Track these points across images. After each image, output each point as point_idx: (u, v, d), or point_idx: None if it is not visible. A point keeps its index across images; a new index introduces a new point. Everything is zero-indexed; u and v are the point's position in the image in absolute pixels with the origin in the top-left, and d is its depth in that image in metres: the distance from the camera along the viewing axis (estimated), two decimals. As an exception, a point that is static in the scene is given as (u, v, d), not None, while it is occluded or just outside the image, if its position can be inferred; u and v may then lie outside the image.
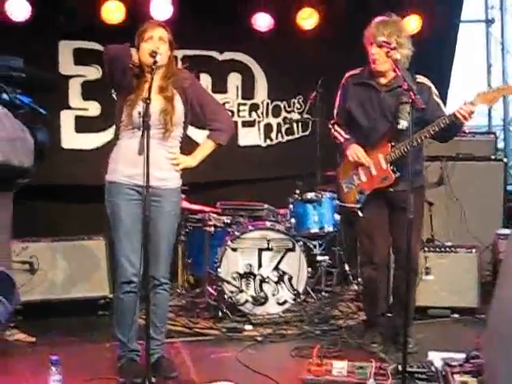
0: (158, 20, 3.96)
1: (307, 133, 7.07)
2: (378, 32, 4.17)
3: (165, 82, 3.84)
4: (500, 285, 2.95)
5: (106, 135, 6.18)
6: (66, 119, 6.27)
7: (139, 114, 3.59)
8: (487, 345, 2.71)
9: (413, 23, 6.53)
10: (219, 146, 4.05)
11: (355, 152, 4.34)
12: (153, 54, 3.65)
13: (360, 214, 4.36)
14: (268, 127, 7.02)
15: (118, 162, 3.85)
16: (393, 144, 4.23)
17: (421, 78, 4.29)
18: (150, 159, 3.44)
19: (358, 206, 4.40)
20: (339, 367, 3.88)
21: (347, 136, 4.42)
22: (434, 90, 4.29)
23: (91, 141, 6.29)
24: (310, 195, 5.45)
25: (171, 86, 3.86)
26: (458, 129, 4.22)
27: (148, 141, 3.45)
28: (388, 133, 4.27)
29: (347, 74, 4.47)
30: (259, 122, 6.97)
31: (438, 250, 5.41)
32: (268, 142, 7.02)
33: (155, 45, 3.75)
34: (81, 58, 6.26)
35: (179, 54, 6.53)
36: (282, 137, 7.09)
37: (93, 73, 6.29)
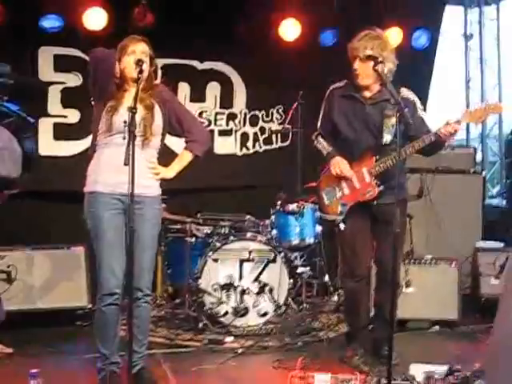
0: (140, 35, 3.91)
1: (287, 143, 7.07)
2: (362, 46, 4.18)
3: (144, 94, 3.81)
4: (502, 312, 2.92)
5: (85, 142, 6.08)
6: (45, 126, 6.20)
7: (125, 122, 3.56)
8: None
9: (394, 37, 6.56)
10: (196, 157, 4.06)
11: (339, 165, 4.33)
12: (139, 63, 3.63)
13: (342, 226, 4.35)
14: (244, 136, 7.03)
15: (99, 171, 3.79)
16: (377, 158, 4.24)
17: (405, 92, 4.29)
18: (134, 170, 3.41)
19: (341, 217, 4.39)
20: (322, 380, 3.85)
21: (331, 148, 4.42)
22: (418, 104, 4.32)
23: (70, 148, 6.23)
24: (292, 207, 5.45)
25: (150, 98, 3.86)
26: (441, 146, 4.25)
27: (133, 150, 3.42)
28: (372, 146, 4.27)
29: (332, 87, 4.47)
30: (236, 130, 6.98)
31: (418, 262, 5.43)
32: (244, 150, 7.02)
33: (138, 57, 3.74)
34: (61, 64, 6.20)
35: (159, 62, 6.48)
36: (260, 146, 7.08)
37: (73, 80, 6.24)
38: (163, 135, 3.95)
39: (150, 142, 3.81)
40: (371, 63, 4.06)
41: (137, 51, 3.78)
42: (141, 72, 3.62)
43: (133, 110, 3.47)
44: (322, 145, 4.45)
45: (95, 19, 5.98)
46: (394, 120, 3.96)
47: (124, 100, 3.77)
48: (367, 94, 4.31)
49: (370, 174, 4.26)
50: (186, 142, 4.06)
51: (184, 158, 4.05)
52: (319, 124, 4.52)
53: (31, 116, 5.78)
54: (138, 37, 3.89)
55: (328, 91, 4.46)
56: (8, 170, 3.66)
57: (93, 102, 3.93)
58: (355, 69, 4.23)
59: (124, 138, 3.56)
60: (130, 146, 3.40)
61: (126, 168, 3.40)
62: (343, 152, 4.37)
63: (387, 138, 4.18)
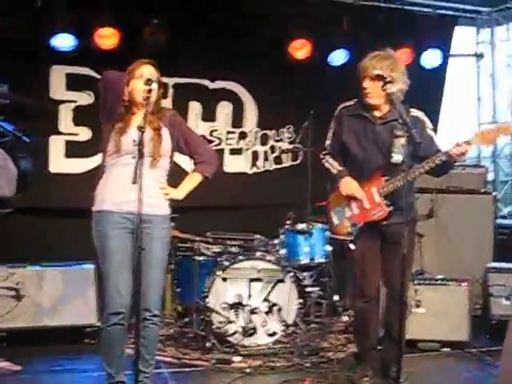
0: (147, 59, 3.94)
1: (297, 162, 7.09)
2: (372, 65, 4.18)
3: (152, 116, 3.84)
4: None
5: (96, 160, 6.12)
6: (55, 144, 6.25)
7: (134, 141, 3.58)
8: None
9: (404, 57, 6.57)
10: (205, 178, 4.08)
11: (349, 185, 4.32)
12: (148, 82, 3.66)
13: (352, 246, 4.33)
14: (254, 155, 7.05)
15: (107, 191, 3.81)
16: (387, 178, 4.22)
17: (415, 112, 4.28)
18: (142, 188, 3.44)
19: (350, 238, 4.37)
20: (330, 401, 3.83)
21: (340, 168, 4.40)
22: (428, 123, 4.30)
23: (81, 165, 6.28)
24: (301, 226, 5.43)
25: (158, 120, 3.88)
26: (450, 167, 4.24)
27: (141, 169, 3.44)
28: (382, 166, 4.25)
29: (341, 106, 4.46)
30: (246, 149, 7.00)
31: (428, 282, 5.39)
32: (254, 169, 7.03)
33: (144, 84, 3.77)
34: (73, 83, 6.26)
35: (170, 81, 6.58)
36: (270, 165, 7.09)
37: (84, 98, 6.29)
38: (171, 157, 3.97)
39: (157, 162, 3.82)
40: (380, 83, 4.07)
41: (144, 74, 3.81)
42: (150, 91, 3.65)
43: (142, 129, 3.51)
44: (331, 164, 4.43)
45: (107, 38, 6.02)
46: (403, 140, 3.94)
47: (132, 122, 3.80)
48: (377, 113, 4.30)
49: (380, 193, 4.24)
50: (195, 164, 4.08)
51: (193, 179, 4.07)
52: (328, 143, 4.51)
53: (35, 134, 5.89)
54: (145, 60, 3.92)
55: (337, 110, 4.46)
56: (1, 189, 3.65)
57: (101, 123, 3.96)
58: (365, 88, 4.23)
59: (133, 158, 3.58)
60: (139, 165, 3.44)
61: (134, 187, 3.44)
62: (352, 171, 4.36)
63: (397, 157, 4.16)
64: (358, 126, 4.32)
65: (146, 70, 3.84)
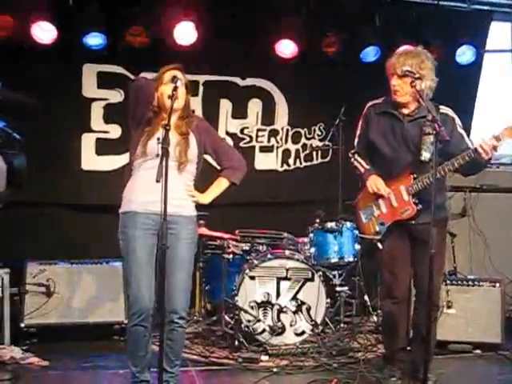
0: (174, 64, 3.94)
1: (327, 160, 7.02)
2: (400, 62, 4.11)
3: (180, 121, 3.86)
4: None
5: (126, 157, 6.14)
6: (87, 142, 6.30)
7: (158, 139, 3.57)
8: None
9: (437, 53, 6.43)
10: (233, 184, 4.05)
11: (375, 183, 4.26)
12: (174, 80, 3.64)
13: (380, 246, 4.27)
14: (286, 153, 7.00)
15: (133, 192, 3.82)
16: (415, 176, 4.14)
17: (444, 109, 4.21)
18: (169, 185, 3.42)
19: (378, 237, 4.31)
20: (356, 402, 3.78)
21: (368, 166, 4.35)
22: (457, 121, 4.21)
23: (111, 163, 6.31)
24: (331, 224, 5.39)
25: (186, 126, 3.88)
26: (481, 165, 4.10)
27: (167, 167, 3.43)
28: (410, 164, 4.18)
29: (369, 104, 4.41)
30: (278, 147, 6.96)
31: (460, 283, 5.30)
32: (285, 167, 6.98)
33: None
34: (104, 81, 6.30)
35: (201, 79, 6.59)
36: (300, 163, 7.04)
37: (115, 96, 6.34)
38: (198, 163, 3.95)
39: (185, 166, 3.82)
40: (409, 79, 4.00)
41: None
42: (175, 89, 3.63)
43: (166, 127, 3.49)
44: (360, 162, 4.38)
45: (137, 37, 6.04)
46: (431, 137, 3.87)
47: (160, 127, 3.76)
48: (405, 111, 4.23)
49: (408, 192, 4.17)
50: (223, 170, 4.04)
51: (221, 185, 4.04)
52: (356, 141, 4.46)
53: (68, 132, 5.95)
54: (172, 65, 3.92)
55: (365, 108, 4.40)
56: None
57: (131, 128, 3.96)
58: (393, 85, 4.16)
59: (157, 156, 3.57)
60: (163, 163, 3.43)
61: (159, 188, 3.41)
62: (381, 170, 4.30)
63: (426, 155, 4.08)
64: (386, 124, 4.26)
65: (173, 75, 3.82)
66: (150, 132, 3.78)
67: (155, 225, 3.71)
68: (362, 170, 4.35)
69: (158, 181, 3.39)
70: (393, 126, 4.24)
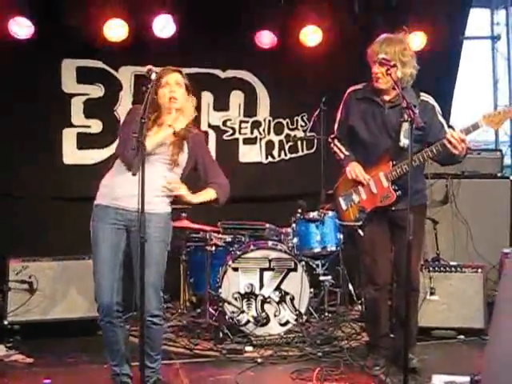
0: (174, 67, 3.96)
1: (312, 151, 7.02)
2: (381, 50, 4.10)
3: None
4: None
5: (107, 151, 6.18)
6: (69, 136, 6.28)
7: (134, 133, 3.53)
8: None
9: (417, 40, 6.47)
10: (216, 201, 3.99)
11: (354, 170, 4.27)
12: (148, 72, 3.59)
13: (360, 232, 4.29)
14: (269, 144, 6.98)
15: (106, 186, 3.82)
16: (394, 162, 4.16)
17: (425, 97, 4.22)
18: (144, 179, 3.39)
19: (358, 224, 4.32)
20: (339, 390, 3.80)
21: (347, 152, 4.36)
22: (438, 109, 4.22)
23: (93, 156, 6.30)
24: (313, 214, 5.39)
25: (186, 131, 3.86)
26: (454, 158, 4.08)
27: (143, 160, 3.40)
28: (390, 150, 4.19)
29: (350, 89, 4.41)
30: (261, 139, 6.94)
31: (443, 269, 5.31)
32: (270, 159, 6.97)
33: (172, 89, 3.82)
34: (83, 76, 6.27)
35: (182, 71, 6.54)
36: (285, 154, 7.04)
37: (95, 91, 6.33)
38: (185, 170, 3.93)
39: (174, 166, 3.82)
40: (385, 67, 4.00)
41: (170, 82, 3.84)
42: (150, 81, 3.59)
43: (142, 120, 3.45)
44: (339, 148, 4.39)
45: (116, 31, 6.01)
46: (408, 124, 3.87)
47: (156, 126, 3.81)
48: (386, 97, 4.25)
49: (388, 178, 4.18)
50: (209, 183, 3.99)
51: (210, 193, 3.97)
52: (336, 126, 4.47)
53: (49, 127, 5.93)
54: (171, 68, 3.93)
55: (346, 94, 4.41)
56: None
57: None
58: (375, 72, 4.17)
59: (133, 149, 3.53)
60: (139, 155, 3.40)
61: (133, 183, 3.36)
62: (360, 155, 4.31)
63: (405, 141, 4.10)
64: (366, 109, 4.27)
65: (173, 78, 3.86)
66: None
67: (123, 220, 3.72)
68: (342, 156, 4.37)
69: (134, 174, 3.37)
70: (373, 112, 4.25)
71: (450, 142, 3.93)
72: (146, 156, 3.45)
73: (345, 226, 4.52)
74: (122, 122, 3.96)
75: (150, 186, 3.66)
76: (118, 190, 3.73)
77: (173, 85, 3.84)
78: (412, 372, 4.14)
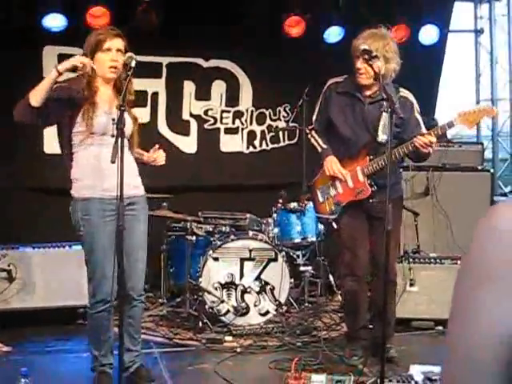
0: (115, 29, 3.80)
1: (294, 141, 7.01)
2: (363, 45, 4.09)
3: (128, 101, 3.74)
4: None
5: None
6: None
7: (113, 120, 3.52)
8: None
9: (401, 33, 6.47)
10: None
11: (331, 165, 4.28)
12: (129, 60, 3.55)
13: (334, 225, 4.30)
14: (251, 134, 6.97)
15: (90, 175, 3.72)
16: (371, 157, 4.18)
17: (404, 92, 4.23)
18: (123, 167, 3.40)
19: (333, 217, 4.34)
20: (317, 380, 3.80)
21: (325, 146, 4.36)
22: (416, 106, 4.24)
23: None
24: (294, 205, 5.40)
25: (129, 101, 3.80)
26: (423, 155, 4.14)
27: (122, 147, 3.39)
28: (368, 145, 4.21)
29: (330, 82, 4.40)
30: (243, 129, 6.93)
31: (422, 261, 5.34)
32: (251, 149, 6.96)
33: (114, 57, 3.68)
34: (65, 63, 6.19)
35: (164, 60, 6.53)
36: (267, 145, 7.02)
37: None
38: None
39: (134, 148, 3.86)
40: (366, 56, 3.99)
41: (113, 48, 3.69)
42: (130, 69, 3.55)
43: (122, 108, 3.44)
44: (317, 140, 4.39)
45: (98, 18, 5.95)
46: (387, 116, 3.88)
47: (98, 100, 3.69)
48: (367, 92, 4.24)
49: (364, 173, 4.20)
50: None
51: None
52: (314, 118, 4.46)
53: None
54: (113, 31, 3.76)
55: (326, 85, 4.40)
56: None
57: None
58: (359, 68, 4.15)
59: (113, 136, 3.52)
60: (119, 144, 3.39)
61: (115, 170, 3.36)
62: (338, 149, 4.32)
63: (382, 136, 4.12)
64: (346, 103, 4.27)
65: (116, 43, 3.70)
66: (91, 109, 3.65)
67: (116, 209, 3.65)
68: (319, 149, 4.37)
69: (113, 161, 3.35)
70: (353, 106, 4.25)
71: (418, 144, 3.97)
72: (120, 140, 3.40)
73: (320, 218, 4.54)
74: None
75: (133, 169, 3.72)
76: (104, 179, 3.67)
77: (114, 52, 3.69)
78: (390, 362, 4.17)
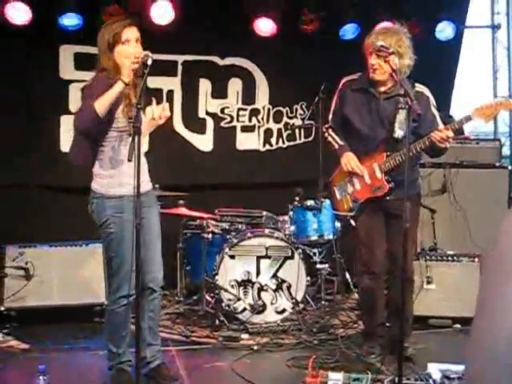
0: (126, 18, 3.77)
1: (310, 139, 6.98)
2: (378, 41, 4.07)
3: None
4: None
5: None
6: (66, 124, 6.23)
7: (130, 118, 3.53)
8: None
9: (416, 29, 6.40)
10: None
11: (349, 161, 4.26)
12: (145, 58, 3.55)
13: (353, 222, 4.28)
14: (268, 132, 6.94)
15: (119, 174, 3.74)
16: (388, 153, 4.15)
17: (420, 87, 4.21)
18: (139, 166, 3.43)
19: (351, 214, 4.32)
20: (335, 379, 3.80)
21: (342, 142, 4.35)
22: (432, 100, 4.21)
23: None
24: (310, 202, 5.37)
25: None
26: (441, 150, 4.13)
27: (139, 146, 3.40)
28: (384, 141, 4.18)
29: (344, 79, 4.39)
30: (259, 127, 6.90)
31: (440, 258, 5.31)
32: (267, 146, 6.93)
33: (135, 48, 3.65)
34: (81, 62, 6.22)
35: (179, 59, 6.54)
36: (283, 142, 7.00)
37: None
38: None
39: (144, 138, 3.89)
40: (384, 54, 3.98)
41: (131, 39, 3.67)
42: (147, 67, 3.55)
43: (138, 106, 3.43)
44: (334, 138, 4.38)
45: (113, 16, 5.94)
46: (405, 113, 3.86)
47: (122, 96, 3.66)
48: (382, 88, 4.22)
49: (381, 169, 4.18)
50: None
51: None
52: (330, 117, 4.46)
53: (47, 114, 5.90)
54: (125, 21, 3.72)
55: (340, 84, 4.39)
56: None
57: None
58: (372, 64, 4.14)
59: (129, 135, 3.54)
60: (135, 142, 3.38)
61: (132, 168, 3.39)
62: (355, 146, 4.30)
63: (399, 132, 4.09)
64: (361, 100, 4.25)
65: (133, 34, 3.69)
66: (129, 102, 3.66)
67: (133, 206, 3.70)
68: (336, 146, 4.36)
69: (129, 160, 3.35)
70: (368, 102, 4.23)
71: (435, 138, 3.95)
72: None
73: (338, 215, 4.53)
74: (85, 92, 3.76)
75: (145, 165, 3.76)
76: (131, 178, 3.55)
77: (133, 42, 3.67)
78: (407, 361, 4.15)
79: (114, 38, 3.67)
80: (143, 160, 3.82)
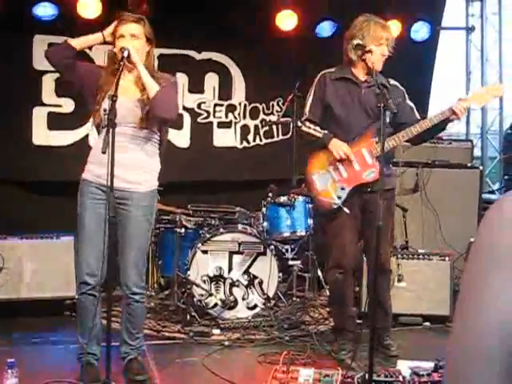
0: (135, 15, 3.81)
1: (288, 136, 6.96)
2: (388, 34, 4.21)
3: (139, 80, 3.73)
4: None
5: (79, 132, 6.10)
6: (39, 116, 6.16)
7: (104, 110, 3.51)
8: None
9: (394, 29, 6.46)
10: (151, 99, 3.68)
11: (340, 146, 4.23)
12: (122, 50, 3.55)
13: (346, 210, 4.24)
14: (245, 129, 6.91)
15: (90, 160, 3.80)
16: (377, 140, 4.16)
17: (393, 82, 4.31)
18: (124, 160, 3.53)
19: (339, 202, 4.29)
20: (306, 375, 3.80)
21: (325, 131, 4.32)
22: (405, 94, 4.32)
23: (64, 138, 6.17)
24: (283, 199, 5.37)
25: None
26: (443, 129, 4.27)
27: (113, 139, 3.37)
28: (370, 127, 4.21)
29: (322, 72, 4.43)
30: (236, 123, 6.87)
31: (411, 256, 5.35)
32: (245, 143, 6.91)
33: (126, 43, 3.66)
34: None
35: (156, 52, 6.45)
36: (261, 139, 6.98)
37: (67, 68, 6.18)
38: (161, 130, 3.89)
39: (142, 130, 3.76)
40: (359, 52, 4.02)
41: (126, 34, 3.69)
42: (122, 59, 3.54)
43: (113, 98, 3.42)
44: (314, 129, 4.34)
45: (89, 7, 5.92)
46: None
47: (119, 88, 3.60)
48: (362, 77, 4.28)
49: (373, 154, 4.19)
50: None
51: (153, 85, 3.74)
52: (308, 109, 4.41)
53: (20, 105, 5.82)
54: (131, 17, 3.77)
55: (319, 75, 4.41)
56: None
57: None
58: (384, 54, 4.25)
59: (103, 127, 3.51)
60: (110, 136, 3.36)
61: (117, 162, 3.38)
62: (336, 133, 4.29)
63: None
64: (342, 88, 4.31)
65: (129, 29, 3.72)
66: (101, 99, 3.68)
67: (104, 195, 3.65)
68: (319, 134, 4.30)
69: (103, 152, 3.33)
70: (350, 90, 4.30)
71: (457, 109, 4.06)
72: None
73: (317, 209, 4.54)
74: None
75: (136, 164, 3.68)
76: (98, 167, 3.66)
77: (128, 37, 3.70)
78: (386, 349, 4.40)
79: (113, 33, 3.76)
80: (152, 161, 3.79)
